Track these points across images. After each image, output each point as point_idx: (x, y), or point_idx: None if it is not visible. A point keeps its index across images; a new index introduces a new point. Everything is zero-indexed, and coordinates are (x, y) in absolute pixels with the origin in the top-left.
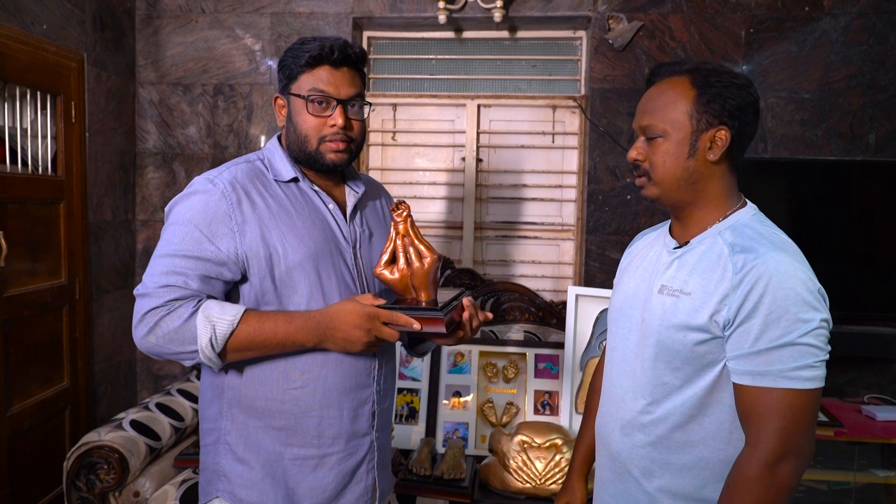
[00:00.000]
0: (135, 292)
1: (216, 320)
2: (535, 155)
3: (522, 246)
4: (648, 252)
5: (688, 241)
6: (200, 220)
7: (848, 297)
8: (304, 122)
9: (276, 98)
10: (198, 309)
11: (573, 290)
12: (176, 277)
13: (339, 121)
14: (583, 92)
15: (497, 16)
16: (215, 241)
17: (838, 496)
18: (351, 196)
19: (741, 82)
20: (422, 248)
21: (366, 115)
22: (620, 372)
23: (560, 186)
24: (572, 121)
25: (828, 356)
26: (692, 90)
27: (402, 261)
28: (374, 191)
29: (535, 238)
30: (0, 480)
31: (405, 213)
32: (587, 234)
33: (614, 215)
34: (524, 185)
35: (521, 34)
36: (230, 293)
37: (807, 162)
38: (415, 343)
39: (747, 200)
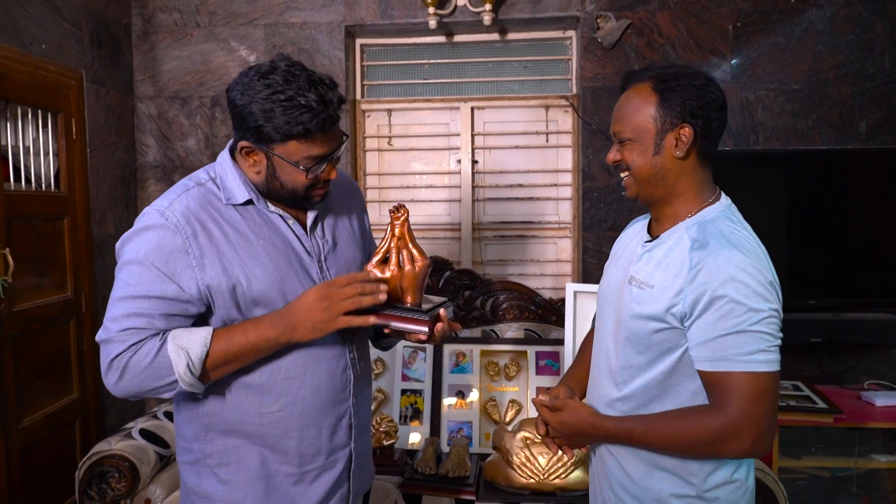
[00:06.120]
0: (97, 339)
1: (187, 345)
2: (529, 155)
3: (520, 245)
4: (630, 243)
5: (659, 236)
6: (157, 258)
7: (846, 285)
8: (294, 181)
9: (243, 147)
10: (165, 340)
11: (571, 287)
12: (139, 319)
13: (333, 174)
14: (574, 91)
15: (487, 19)
16: (176, 279)
17: (840, 482)
18: (310, 210)
19: (700, 83)
20: (414, 252)
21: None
22: (599, 352)
23: (555, 185)
24: (565, 120)
25: (780, 342)
26: (654, 95)
27: (393, 262)
28: (343, 196)
29: (533, 237)
30: (14, 492)
31: (403, 218)
32: (583, 231)
33: (609, 211)
34: (520, 185)
35: (511, 36)
36: (196, 324)
37: (801, 152)
38: (379, 337)
39: (722, 194)
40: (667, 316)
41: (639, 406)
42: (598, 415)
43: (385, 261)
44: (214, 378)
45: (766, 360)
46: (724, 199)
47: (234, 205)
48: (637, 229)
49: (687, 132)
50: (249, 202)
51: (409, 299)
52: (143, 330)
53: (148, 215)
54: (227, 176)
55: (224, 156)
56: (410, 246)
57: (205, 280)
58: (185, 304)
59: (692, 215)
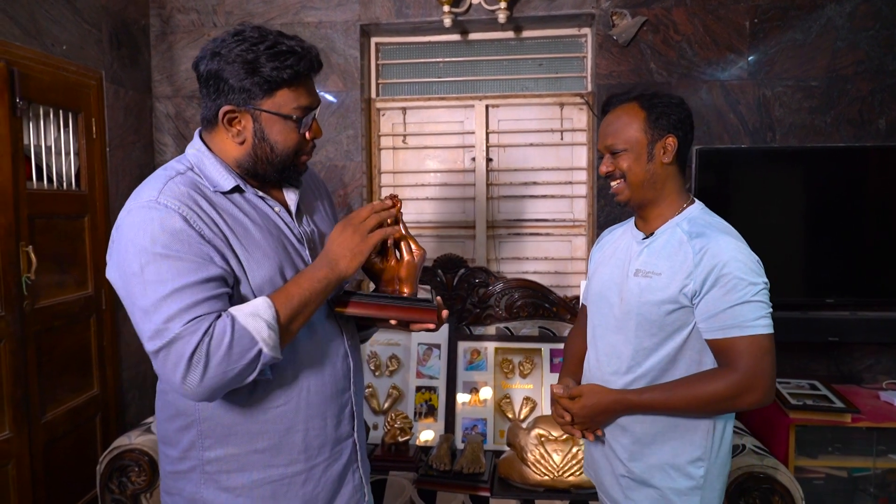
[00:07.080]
0: (154, 348)
1: (255, 311)
2: (544, 152)
3: (535, 243)
4: (619, 244)
5: (653, 233)
6: (177, 246)
7: (864, 283)
8: (286, 140)
9: (228, 111)
10: (231, 315)
11: (586, 285)
12: (200, 307)
13: (321, 131)
14: (589, 88)
15: (501, 17)
16: (208, 259)
17: (858, 482)
18: (291, 196)
19: (677, 101)
20: (410, 242)
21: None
22: (604, 343)
23: (570, 183)
24: (580, 117)
25: (771, 310)
26: (642, 112)
27: (390, 253)
28: (312, 186)
29: (547, 234)
30: (36, 485)
31: (396, 208)
32: (598, 229)
33: (624, 210)
34: (534, 183)
35: (526, 34)
36: None
37: (819, 149)
38: (359, 329)
39: (695, 198)
40: (679, 297)
41: (651, 381)
42: (616, 391)
43: (381, 252)
44: (291, 338)
45: (766, 324)
46: (699, 202)
47: (221, 193)
48: (619, 234)
49: (672, 141)
50: (236, 189)
51: (406, 290)
52: (209, 315)
53: (140, 210)
54: (204, 165)
55: (196, 144)
56: (406, 236)
57: (223, 254)
58: (225, 284)
59: (677, 214)
